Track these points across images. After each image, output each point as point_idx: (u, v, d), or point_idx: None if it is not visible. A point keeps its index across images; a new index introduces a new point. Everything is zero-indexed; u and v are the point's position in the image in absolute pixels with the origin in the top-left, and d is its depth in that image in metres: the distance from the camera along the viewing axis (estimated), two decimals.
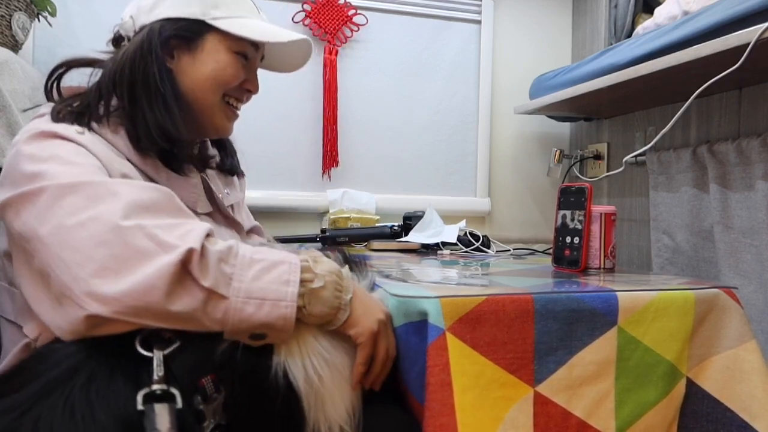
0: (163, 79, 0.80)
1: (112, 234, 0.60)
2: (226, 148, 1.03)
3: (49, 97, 0.82)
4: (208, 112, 0.86)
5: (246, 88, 0.90)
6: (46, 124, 0.73)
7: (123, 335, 0.61)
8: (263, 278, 0.63)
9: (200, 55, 0.83)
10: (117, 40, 0.86)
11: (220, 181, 0.98)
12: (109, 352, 0.61)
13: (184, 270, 0.60)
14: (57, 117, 0.75)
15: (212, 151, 0.99)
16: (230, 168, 1.02)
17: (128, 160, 0.77)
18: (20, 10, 1.23)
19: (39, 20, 1.35)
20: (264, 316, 0.62)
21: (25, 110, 1.07)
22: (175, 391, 0.58)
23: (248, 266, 0.63)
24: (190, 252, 0.60)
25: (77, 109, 0.77)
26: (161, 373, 0.59)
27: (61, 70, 0.83)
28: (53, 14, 1.34)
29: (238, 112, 0.92)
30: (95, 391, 0.58)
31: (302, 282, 0.65)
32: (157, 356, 0.60)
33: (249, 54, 0.87)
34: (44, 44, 1.50)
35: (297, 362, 0.65)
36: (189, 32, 0.82)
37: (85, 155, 0.70)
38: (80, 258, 0.59)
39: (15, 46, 1.25)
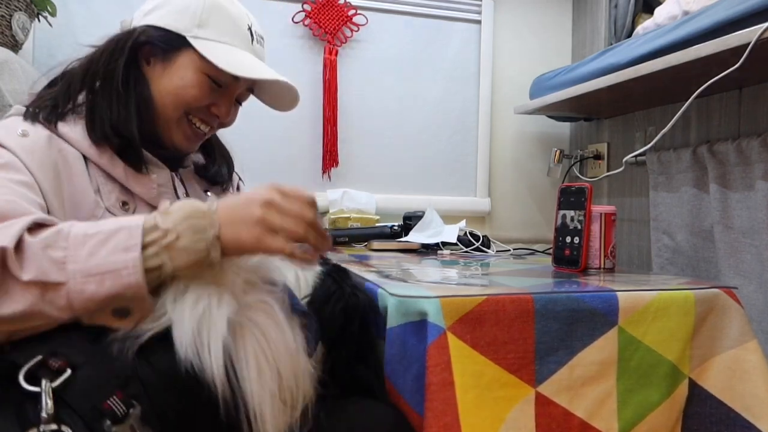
0: (128, 79, 0.81)
1: None
2: (214, 154, 1.00)
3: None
4: (165, 126, 0.86)
5: (213, 113, 0.88)
6: None
7: (2, 368, 0.56)
8: (99, 253, 0.59)
9: (171, 67, 0.84)
10: None
11: (199, 183, 0.96)
12: None
13: (3, 271, 0.56)
14: (26, 115, 0.77)
15: (193, 154, 0.97)
16: (212, 176, 0.98)
17: (84, 154, 0.78)
18: (20, 10, 1.23)
19: (39, 20, 1.35)
20: (108, 290, 0.58)
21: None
22: (67, 430, 0.54)
23: (81, 244, 0.59)
24: (2, 252, 0.56)
25: (48, 105, 0.79)
26: (50, 411, 0.53)
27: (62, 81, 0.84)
28: (53, 14, 1.34)
29: (203, 132, 0.90)
30: None
31: (152, 243, 0.61)
32: (46, 390, 0.54)
33: (223, 81, 0.86)
34: (44, 44, 1.50)
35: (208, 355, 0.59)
36: (165, 44, 0.83)
37: (7, 165, 0.69)
38: None
39: (15, 46, 1.25)
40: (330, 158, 1.75)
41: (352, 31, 1.76)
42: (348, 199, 1.72)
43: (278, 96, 0.96)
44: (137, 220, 0.62)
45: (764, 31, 0.97)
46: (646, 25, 1.43)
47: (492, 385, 0.70)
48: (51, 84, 0.84)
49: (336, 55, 1.74)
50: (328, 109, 1.74)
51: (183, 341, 0.60)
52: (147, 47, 0.83)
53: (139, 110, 0.82)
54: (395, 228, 1.54)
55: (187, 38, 0.83)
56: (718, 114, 1.39)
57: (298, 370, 0.63)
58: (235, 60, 0.84)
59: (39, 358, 0.57)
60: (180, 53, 0.83)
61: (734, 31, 1.04)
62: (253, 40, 0.90)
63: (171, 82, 0.84)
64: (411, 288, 0.77)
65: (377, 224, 1.68)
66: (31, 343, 0.60)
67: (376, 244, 1.46)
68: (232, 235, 0.64)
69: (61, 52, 1.51)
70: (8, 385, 0.56)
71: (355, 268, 0.99)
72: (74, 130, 0.78)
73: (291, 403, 0.63)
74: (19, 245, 0.57)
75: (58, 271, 0.57)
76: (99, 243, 0.60)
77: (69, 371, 0.57)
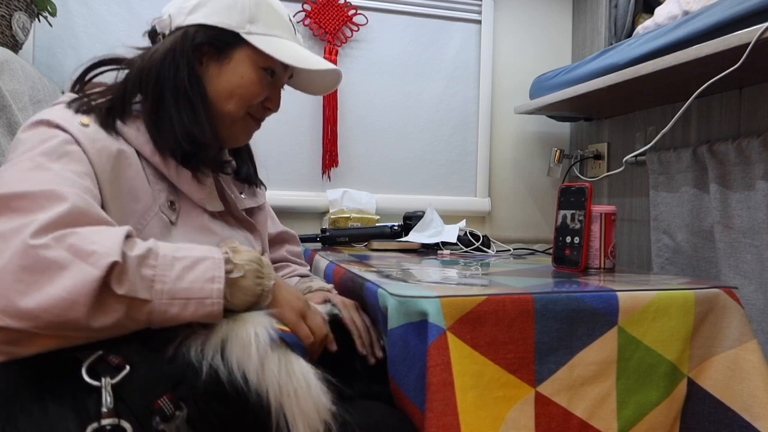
0: (192, 83, 0.80)
1: (27, 247, 0.56)
2: (242, 154, 1.02)
3: (75, 89, 0.82)
4: (228, 123, 0.86)
5: (266, 106, 0.89)
6: (50, 112, 0.73)
7: (64, 361, 0.57)
8: (186, 277, 0.62)
9: (227, 66, 0.83)
10: (152, 35, 0.87)
11: (235, 185, 0.97)
12: (47, 379, 0.57)
13: (105, 284, 0.57)
14: (77, 108, 0.75)
15: (227, 156, 0.98)
16: (246, 177, 1.00)
17: (138, 151, 0.77)
18: (20, 9, 1.23)
19: (39, 20, 1.35)
20: (190, 315, 0.62)
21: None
22: (126, 424, 0.55)
23: (170, 266, 0.62)
24: (112, 266, 0.57)
25: (103, 105, 0.77)
26: (111, 405, 0.55)
27: (98, 70, 0.83)
28: (53, 14, 1.34)
29: (259, 122, 0.91)
30: (22, 424, 0.53)
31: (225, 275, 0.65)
32: (106, 385, 0.56)
33: (276, 72, 0.87)
34: (44, 44, 1.50)
35: (253, 362, 0.63)
36: (221, 42, 0.82)
37: (69, 154, 0.68)
38: None
39: (15, 46, 1.25)
40: (330, 158, 1.75)
41: (352, 31, 1.76)
42: (348, 199, 1.72)
43: (316, 82, 0.98)
44: (216, 252, 0.66)
45: (764, 31, 0.97)
46: (646, 25, 1.43)
47: (492, 385, 0.70)
48: (91, 68, 0.82)
49: (336, 55, 1.74)
50: (328, 109, 1.74)
51: (240, 357, 0.63)
52: (201, 48, 0.82)
53: (206, 112, 0.81)
54: (395, 228, 1.54)
55: (241, 35, 0.82)
56: (718, 114, 1.39)
57: (316, 405, 0.66)
58: (294, 52, 0.86)
59: (99, 353, 0.59)
60: (235, 51, 0.83)
61: (734, 31, 1.04)
62: (294, 30, 0.91)
63: (230, 81, 0.83)
64: (411, 288, 0.77)
65: (377, 224, 1.68)
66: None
67: (376, 244, 1.46)
68: (281, 296, 0.73)
69: (61, 52, 1.51)
70: (67, 378, 0.57)
71: (355, 268, 0.99)
72: (129, 127, 0.78)
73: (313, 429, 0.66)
74: (123, 259, 0.58)
75: (146, 289, 0.59)
76: (186, 268, 0.62)
77: (128, 368, 0.59)
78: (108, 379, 0.57)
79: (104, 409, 0.55)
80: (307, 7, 1.71)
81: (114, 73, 0.83)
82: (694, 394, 0.80)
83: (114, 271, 0.57)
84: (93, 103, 0.77)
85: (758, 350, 0.81)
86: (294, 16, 1.70)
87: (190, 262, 0.63)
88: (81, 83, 0.82)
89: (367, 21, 1.77)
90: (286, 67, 0.88)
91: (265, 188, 1.10)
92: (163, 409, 0.58)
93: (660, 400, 0.77)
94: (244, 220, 0.95)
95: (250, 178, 1.01)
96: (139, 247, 0.62)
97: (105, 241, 0.59)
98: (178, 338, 0.63)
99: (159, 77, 0.79)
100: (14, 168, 0.65)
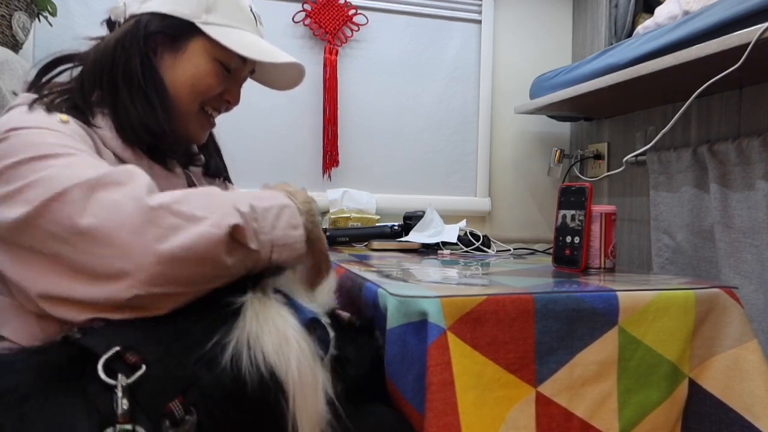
0: (146, 74, 0.78)
1: (146, 211, 0.59)
2: (209, 149, 1.00)
3: (36, 91, 0.77)
4: (181, 117, 0.84)
5: (225, 99, 0.88)
6: (25, 115, 0.68)
7: (80, 355, 0.57)
8: (277, 226, 0.67)
9: (182, 56, 0.81)
10: (110, 24, 0.85)
11: (206, 180, 0.96)
12: (62, 375, 0.56)
13: (233, 239, 0.62)
14: (46, 109, 0.72)
15: (195, 149, 0.97)
16: (216, 171, 0.98)
17: (107, 148, 0.75)
18: (21, 9, 1.23)
19: (39, 20, 1.35)
20: (285, 259, 0.69)
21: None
22: (141, 430, 0.54)
23: (264, 218, 0.66)
24: (235, 228, 0.62)
25: (64, 102, 0.75)
26: (126, 407, 0.54)
27: (56, 70, 0.80)
28: (54, 14, 1.34)
29: (214, 120, 0.90)
30: (34, 422, 0.51)
31: None
32: (122, 385, 0.55)
33: (233, 65, 0.85)
34: (44, 44, 1.50)
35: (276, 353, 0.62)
36: (175, 31, 0.80)
37: (77, 141, 0.67)
38: (129, 231, 0.57)
39: (15, 46, 1.25)
40: (330, 158, 1.75)
41: (352, 30, 1.76)
42: (348, 199, 1.72)
43: (279, 76, 0.96)
44: (286, 199, 0.71)
45: (764, 31, 0.98)
46: (646, 24, 1.43)
47: (492, 384, 0.70)
48: (44, 70, 0.80)
49: (336, 54, 1.74)
50: (329, 109, 1.74)
51: (265, 355, 0.62)
52: (154, 37, 0.80)
53: (162, 102, 0.79)
54: (395, 228, 1.54)
55: (197, 24, 0.80)
56: (718, 114, 1.39)
57: (318, 407, 0.65)
58: (252, 44, 0.83)
59: (117, 349, 0.57)
60: (190, 41, 0.81)
61: (734, 31, 1.04)
62: (256, 21, 0.89)
63: (184, 72, 0.81)
64: (411, 288, 0.77)
65: (377, 224, 1.68)
66: (104, 333, 0.60)
67: (377, 244, 1.46)
68: (318, 236, 0.76)
69: None
70: (81, 374, 0.56)
71: (355, 268, 0.99)
72: (95, 124, 0.76)
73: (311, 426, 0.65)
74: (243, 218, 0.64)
75: (257, 241, 0.64)
76: (275, 217, 0.68)
77: (144, 368, 0.57)
78: (124, 378, 0.55)
79: (119, 411, 0.54)
80: (307, 7, 1.71)
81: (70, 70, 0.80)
82: (695, 394, 0.80)
83: (240, 232, 0.62)
84: (55, 103, 0.74)
85: (759, 350, 0.80)
86: (294, 16, 1.70)
87: (276, 210, 0.68)
88: (37, 86, 0.79)
89: (367, 21, 1.77)
90: (244, 60, 0.85)
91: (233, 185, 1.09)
92: (173, 413, 0.56)
93: (661, 400, 0.77)
94: None
95: (219, 172, 1.00)
96: (243, 203, 0.65)
97: (220, 204, 0.63)
98: (196, 336, 0.61)
99: (112, 69, 0.77)
100: (52, 169, 0.61)
